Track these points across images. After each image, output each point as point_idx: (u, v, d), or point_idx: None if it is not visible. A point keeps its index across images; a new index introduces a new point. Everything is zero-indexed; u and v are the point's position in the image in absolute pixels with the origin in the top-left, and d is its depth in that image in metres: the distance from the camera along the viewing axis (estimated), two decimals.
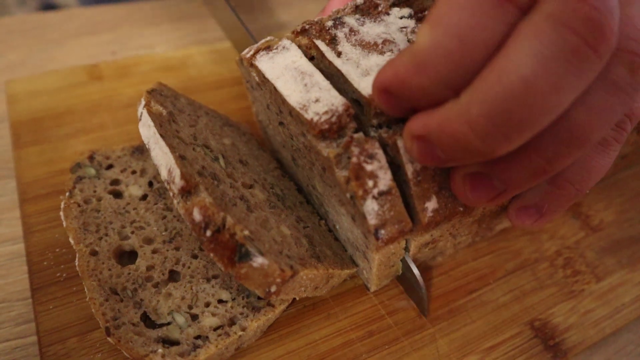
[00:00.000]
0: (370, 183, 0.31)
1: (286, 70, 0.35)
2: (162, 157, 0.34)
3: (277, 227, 0.36)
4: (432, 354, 0.39)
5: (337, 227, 0.41)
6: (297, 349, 0.38)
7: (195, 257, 0.38)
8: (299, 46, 0.40)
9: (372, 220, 0.32)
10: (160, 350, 0.32)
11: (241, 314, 0.35)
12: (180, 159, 0.34)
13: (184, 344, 0.33)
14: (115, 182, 0.42)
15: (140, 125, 0.37)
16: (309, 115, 0.33)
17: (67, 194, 0.40)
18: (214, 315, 0.35)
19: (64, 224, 0.38)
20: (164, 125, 0.37)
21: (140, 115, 0.37)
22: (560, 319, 0.42)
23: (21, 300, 0.39)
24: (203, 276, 0.37)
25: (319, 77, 0.34)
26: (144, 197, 0.41)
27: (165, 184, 0.34)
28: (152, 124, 0.36)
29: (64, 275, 0.39)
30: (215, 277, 0.37)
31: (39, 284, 0.38)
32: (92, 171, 0.41)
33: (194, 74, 0.57)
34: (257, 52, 0.38)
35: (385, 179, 0.31)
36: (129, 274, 0.36)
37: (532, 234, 0.48)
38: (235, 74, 0.58)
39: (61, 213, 0.38)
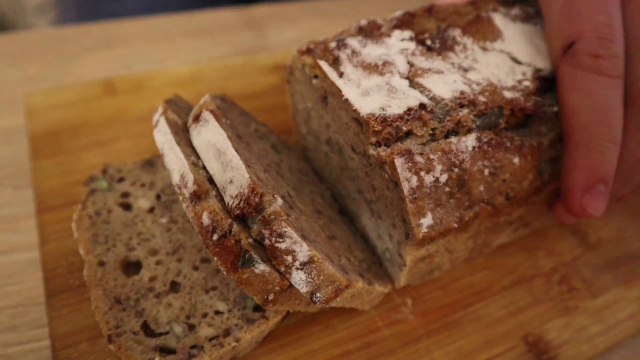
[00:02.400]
0: (289, 258, 0.33)
1: (208, 147, 0.37)
2: (176, 163, 0.36)
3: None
4: None
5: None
6: (296, 358, 0.39)
7: (196, 268, 0.40)
8: (304, 65, 0.42)
9: (303, 289, 0.33)
10: (157, 359, 0.34)
11: (236, 325, 0.37)
12: (193, 165, 0.36)
13: (180, 353, 0.35)
14: (125, 194, 0.44)
15: (156, 132, 0.39)
16: (226, 198, 0.35)
17: (80, 206, 0.42)
18: (210, 325, 0.37)
19: (75, 235, 0.40)
20: (178, 133, 0.39)
21: (157, 123, 0.40)
22: (554, 334, 0.43)
23: (36, 305, 0.42)
24: (202, 287, 0.38)
25: (231, 154, 0.35)
26: (151, 210, 0.43)
27: (176, 189, 0.35)
28: (168, 130, 0.38)
29: (77, 282, 0.41)
30: (213, 288, 0.39)
31: (52, 291, 0.40)
32: (105, 184, 0.43)
33: (204, 89, 0.59)
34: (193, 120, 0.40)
35: (302, 251, 0.33)
36: (133, 284, 0.38)
37: (529, 251, 0.49)
38: (245, 89, 0.60)
39: (73, 224, 0.40)
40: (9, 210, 0.47)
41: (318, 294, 0.34)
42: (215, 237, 0.33)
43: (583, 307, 0.45)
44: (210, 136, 0.37)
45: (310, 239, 0.34)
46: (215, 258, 0.33)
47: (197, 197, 0.34)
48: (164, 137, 0.38)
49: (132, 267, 0.40)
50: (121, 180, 0.45)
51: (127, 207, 0.43)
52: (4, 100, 0.57)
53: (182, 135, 0.39)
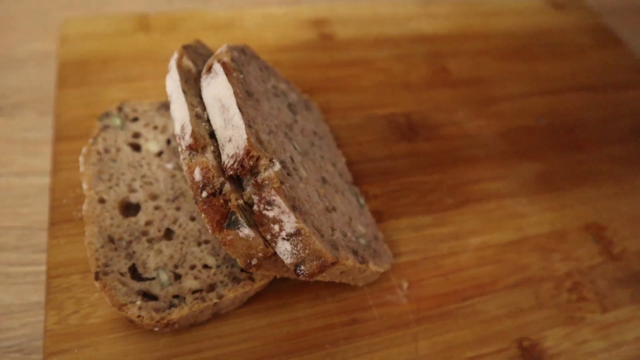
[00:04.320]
0: (275, 227, 0.31)
1: (214, 101, 0.35)
2: (179, 112, 0.35)
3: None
4: (410, 353, 0.39)
5: None
6: (279, 323, 0.39)
7: (192, 219, 0.39)
8: None
9: (288, 260, 0.32)
10: (138, 303, 0.35)
11: (221, 282, 0.37)
12: (196, 117, 0.35)
13: (161, 300, 0.35)
14: (137, 135, 0.44)
15: (168, 78, 0.38)
16: (223, 157, 0.33)
17: (91, 140, 0.42)
18: (196, 278, 0.37)
19: (81, 168, 0.40)
20: (189, 82, 0.38)
21: (170, 68, 0.39)
22: (552, 342, 0.41)
23: (41, 231, 0.43)
24: (195, 239, 0.38)
25: (234, 111, 0.34)
26: (159, 154, 0.43)
27: (177, 139, 0.35)
28: (177, 77, 0.37)
29: (79, 215, 0.42)
30: (206, 242, 0.38)
31: (55, 219, 0.41)
32: (118, 122, 0.44)
33: (238, 36, 0.57)
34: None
35: (289, 221, 0.31)
36: (129, 225, 0.38)
37: (544, 251, 0.46)
38: (279, 42, 0.58)
39: (80, 158, 0.41)
40: (32, 134, 0.48)
41: (302, 267, 0.33)
42: (204, 194, 0.32)
43: (590, 319, 0.43)
44: (217, 90, 0.36)
45: (303, 209, 0.33)
46: (202, 215, 0.33)
47: (193, 150, 0.34)
48: (173, 84, 0.37)
49: (131, 208, 0.40)
50: (135, 120, 0.45)
51: (136, 147, 0.43)
52: (41, 23, 0.57)
53: (194, 84, 0.38)
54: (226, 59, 0.38)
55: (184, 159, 0.34)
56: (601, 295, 0.44)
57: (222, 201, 0.33)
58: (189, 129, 0.34)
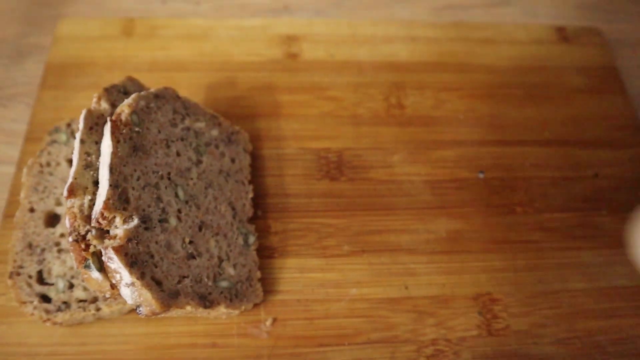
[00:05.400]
0: (117, 276, 0.37)
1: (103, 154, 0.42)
2: (73, 160, 0.43)
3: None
4: None
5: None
6: (152, 334, 0.47)
7: None
8: None
9: (129, 301, 0.38)
10: (35, 303, 0.44)
11: (105, 297, 0.45)
12: (84, 167, 0.42)
13: (53, 304, 0.45)
14: None
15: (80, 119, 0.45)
16: (94, 207, 0.40)
17: (38, 153, 0.51)
18: (84, 290, 0.45)
19: (23, 178, 0.49)
20: (98, 126, 0.45)
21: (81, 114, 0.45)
22: None
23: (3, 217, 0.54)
24: None
25: (106, 171, 0.41)
26: None
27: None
28: (81, 125, 0.44)
29: None
30: None
31: (9, 213, 0.51)
32: (64, 137, 0.51)
33: (206, 50, 0.61)
34: None
35: (125, 275, 0.37)
36: (47, 235, 0.47)
37: (420, 314, 0.49)
38: (246, 58, 0.61)
39: (25, 169, 0.50)
40: (18, 126, 0.58)
41: (141, 309, 0.40)
42: (70, 238, 0.40)
43: None
44: (104, 146, 0.42)
45: (146, 263, 0.40)
46: (71, 252, 0.41)
47: (70, 193, 0.41)
48: (78, 132, 0.43)
49: (55, 219, 0.49)
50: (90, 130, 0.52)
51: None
52: (45, 18, 0.65)
53: (97, 129, 0.44)
54: (126, 112, 0.44)
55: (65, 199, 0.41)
56: None
57: (83, 246, 0.40)
58: (70, 179, 0.41)
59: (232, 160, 0.52)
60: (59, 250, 0.47)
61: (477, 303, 0.50)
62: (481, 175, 0.56)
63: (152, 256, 0.41)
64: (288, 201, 0.53)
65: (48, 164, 0.50)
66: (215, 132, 0.52)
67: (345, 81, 0.61)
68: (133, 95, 0.45)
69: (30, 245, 0.47)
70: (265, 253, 0.51)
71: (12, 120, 0.59)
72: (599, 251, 0.53)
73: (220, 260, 0.46)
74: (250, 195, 0.52)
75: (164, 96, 0.48)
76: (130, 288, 0.39)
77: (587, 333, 0.49)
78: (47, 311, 0.44)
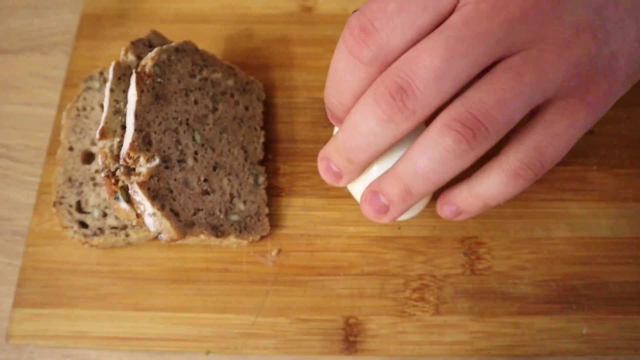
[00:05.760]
0: (141, 207, 0.43)
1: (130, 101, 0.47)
2: (104, 106, 0.49)
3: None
4: (257, 303, 0.52)
5: None
6: (174, 258, 0.54)
7: None
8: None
9: (152, 229, 0.45)
10: (74, 228, 0.52)
11: (132, 224, 0.52)
12: (114, 113, 0.48)
13: (89, 229, 0.52)
14: None
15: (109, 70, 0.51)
16: (123, 148, 0.47)
17: (75, 98, 0.57)
18: (116, 218, 0.52)
19: (63, 121, 0.56)
20: (126, 76, 0.50)
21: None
22: (374, 326, 0.51)
23: (49, 154, 0.61)
24: None
25: (132, 117, 0.47)
26: None
27: None
28: (111, 76, 0.50)
29: None
30: None
31: (51, 150, 0.58)
32: (97, 85, 0.58)
33: (228, 3, 0.65)
34: None
35: (148, 206, 0.43)
36: (84, 171, 0.54)
37: (411, 252, 0.54)
38: (262, 11, 0.65)
39: (64, 112, 0.56)
40: (57, 72, 0.65)
41: (161, 235, 0.47)
42: (102, 174, 0.47)
43: (419, 317, 0.52)
44: (130, 94, 0.48)
45: (165, 197, 0.46)
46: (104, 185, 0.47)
47: (102, 136, 0.47)
48: (108, 82, 0.49)
49: (90, 157, 0.56)
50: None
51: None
52: None
53: (124, 79, 0.50)
54: (149, 64, 0.49)
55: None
56: (441, 300, 0.52)
57: (113, 181, 0.47)
58: (102, 124, 0.47)
59: (246, 108, 0.57)
60: (94, 184, 0.54)
61: (463, 245, 0.54)
62: None
63: (171, 191, 0.47)
64: (297, 146, 0.59)
65: (84, 109, 0.57)
66: (231, 82, 0.57)
67: None
68: (156, 49, 0.50)
69: (70, 179, 0.54)
70: (274, 192, 0.57)
71: (53, 67, 0.65)
72: (586, 204, 0.56)
73: (232, 196, 0.52)
74: (262, 140, 0.57)
75: (184, 49, 0.53)
76: (152, 217, 0.46)
77: (563, 277, 0.53)
78: (85, 235, 0.52)
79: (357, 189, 0.50)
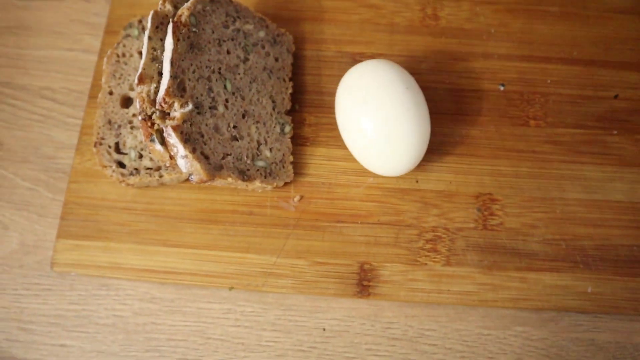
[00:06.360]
0: (175, 149, 0.46)
1: (167, 50, 0.50)
2: (143, 53, 0.52)
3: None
4: (279, 245, 0.56)
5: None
6: (202, 199, 0.57)
7: None
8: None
9: (183, 170, 0.48)
10: (113, 167, 0.56)
11: (165, 166, 0.56)
12: (151, 60, 0.51)
13: (126, 169, 0.56)
14: None
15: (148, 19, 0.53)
16: (159, 93, 0.50)
17: (115, 45, 0.60)
18: (151, 160, 0.56)
19: (104, 66, 0.59)
20: (163, 25, 0.53)
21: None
22: (387, 272, 0.55)
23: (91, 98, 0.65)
24: None
25: (168, 64, 0.49)
26: None
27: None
28: (149, 25, 0.52)
29: None
30: None
31: (93, 94, 0.62)
32: (136, 32, 0.60)
33: None
34: None
35: (181, 149, 0.46)
36: (122, 114, 0.58)
37: (426, 204, 0.56)
38: None
39: (105, 59, 0.59)
40: (99, 19, 0.68)
41: (192, 177, 0.51)
42: (139, 117, 0.50)
43: (430, 266, 0.55)
44: (167, 43, 0.50)
45: (197, 140, 0.49)
46: (141, 128, 0.51)
47: (140, 81, 0.50)
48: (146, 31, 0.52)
49: (129, 101, 0.59)
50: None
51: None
52: None
53: (161, 28, 0.53)
54: (185, 14, 0.51)
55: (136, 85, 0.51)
56: (452, 252, 0.55)
57: (149, 124, 0.50)
58: (140, 70, 0.50)
59: (276, 59, 0.59)
60: (132, 127, 0.58)
61: (477, 201, 0.57)
62: (501, 88, 0.60)
63: (202, 135, 0.50)
64: (323, 98, 0.61)
65: (123, 55, 0.60)
66: (262, 34, 0.59)
67: None
68: (191, 0, 0.52)
69: (109, 122, 0.58)
70: (299, 141, 0.59)
71: (94, 14, 0.68)
72: (602, 167, 0.57)
73: (259, 143, 0.55)
74: (290, 90, 0.59)
75: (219, 0, 0.55)
76: (184, 159, 0.49)
77: (573, 237, 0.55)
78: (122, 174, 0.56)
79: (356, 151, 0.53)
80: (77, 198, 0.58)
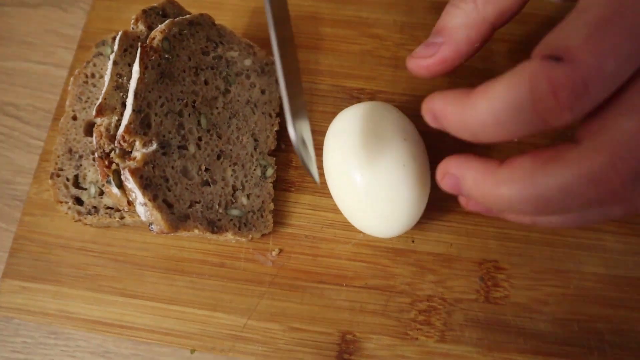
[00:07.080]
0: (133, 195, 0.40)
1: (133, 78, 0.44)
2: (106, 80, 0.45)
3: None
4: (250, 305, 0.49)
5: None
6: (169, 245, 0.51)
7: None
8: None
9: (143, 218, 0.41)
10: (69, 204, 0.49)
11: (124, 210, 0.49)
12: (115, 89, 0.45)
13: (84, 206, 0.49)
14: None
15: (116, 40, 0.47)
16: (120, 128, 0.43)
17: (84, 63, 0.53)
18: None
19: (69, 87, 0.53)
20: (129, 50, 0.47)
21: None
22: (372, 345, 0.48)
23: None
24: None
25: (132, 96, 0.43)
26: None
27: None
28: (116, 47, 0.46)
29: None
30: None
31: (57, 116, 0.56)
32: (109, 51, 0.54)
33: None
34: None
35: (139, 195, 0.40)
36: (85, 143, 0.51)
37: (422, 269, 0.49)
38: None
39: (71, 78, 0.53)
40: (74, 31, 0.61)
41: (152, 226, 0.44)
42: (96, 154, 0.43)
43: (421, 342, 0.48)
44: (134, 70, 0.44)
45: (159, 186, 0.43)
46: (97, 167, 0.44)
47: (99, 113, 0.44)
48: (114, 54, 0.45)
49: (93, 129, 0.53)
50: (125, 51, 0.54)
51: None
52: None
53: (130, 53, 0.46)
54: (158, 38, 0.45)
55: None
56: (448, 327, 0.48)
57: (107, 163, 0.43)
58: (100, 99, 0.44)
59: (262, 92, 0.53)
60: (94, 159, 0.51)
61: (480, 268, 0.49)
62: (515, 139, 0.53)
63: (166, 180, 0.44)
64: (313, 138, 0.53)
65: (92, 75, 0.53)
66: (248, 62, 0.52)
67: (392, 19, 0.58)
68: (167, 22, 0.46)
69: (70, 151, 0.51)
70: (283, 186, 0.52)
71: (70, 25, 0.62)
72: (626, 238, 0.50)
73: (235, 189, 0.48)
74: (276, 128, 0.53)
75: (199, 23, 0.49)
76: (143, 207, 0.43)
77: (588, 318, 0.48)
78: (79, 212, 0.49)
79: (344, 207, 0.47)
80: (29, 233, 0.52)
